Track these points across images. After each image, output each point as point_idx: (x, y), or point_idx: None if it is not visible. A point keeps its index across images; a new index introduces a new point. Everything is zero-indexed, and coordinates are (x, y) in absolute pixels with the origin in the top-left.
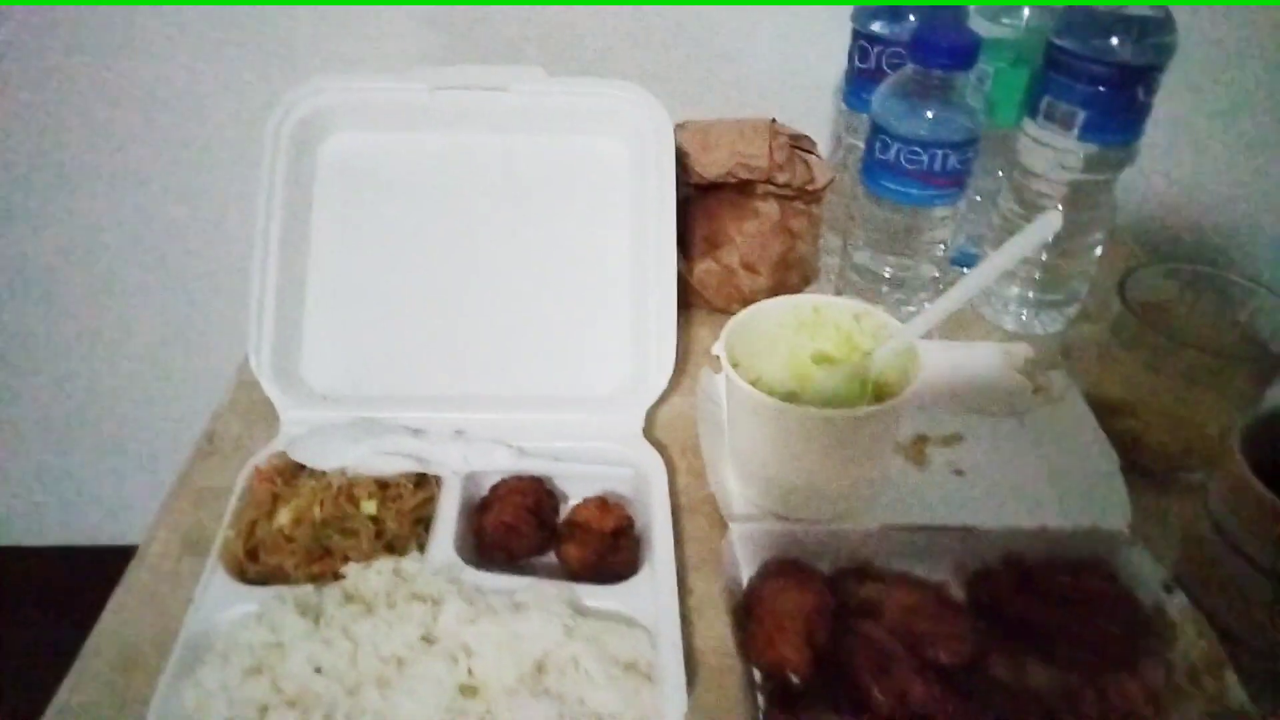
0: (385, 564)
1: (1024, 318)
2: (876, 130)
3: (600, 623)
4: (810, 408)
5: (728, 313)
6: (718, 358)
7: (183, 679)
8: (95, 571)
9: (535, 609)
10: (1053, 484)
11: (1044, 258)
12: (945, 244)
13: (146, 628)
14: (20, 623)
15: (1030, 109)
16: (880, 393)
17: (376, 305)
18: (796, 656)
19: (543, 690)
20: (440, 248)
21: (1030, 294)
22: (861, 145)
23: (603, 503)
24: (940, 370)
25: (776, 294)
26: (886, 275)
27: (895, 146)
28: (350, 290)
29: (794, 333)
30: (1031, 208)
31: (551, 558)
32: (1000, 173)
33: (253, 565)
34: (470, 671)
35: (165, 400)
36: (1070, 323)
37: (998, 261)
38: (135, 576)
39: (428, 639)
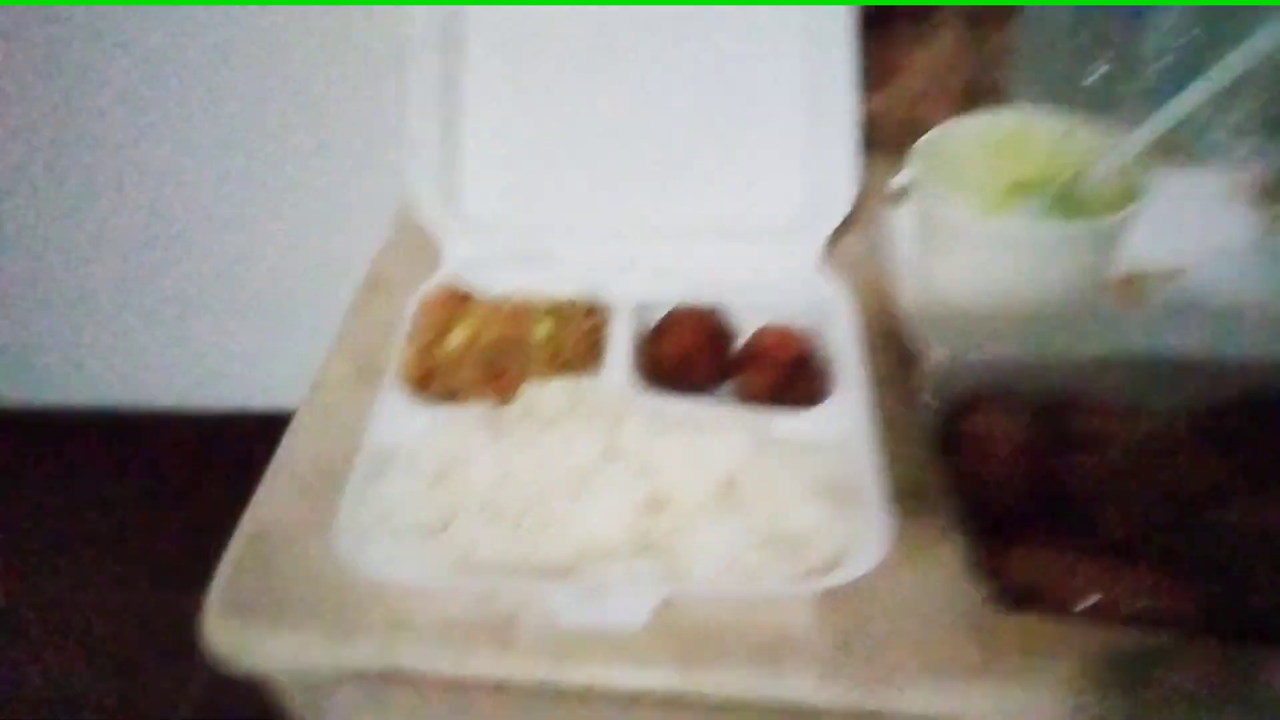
0: (562, 383)
1: (1252, 139)
2: None
3: (792, 445)
4: (1020, 221)
5: (902, 151)
6: (899, 193)
7: (370, 486)
8: (252, 436)
9: (722, 428)
10: None
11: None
12: (1163, 55)
13: (329, 447)
14: (182, 490)
15: None
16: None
17: (541, 134)
18: (1009, 482)
19: (734, 507)
20: (607, 74)
21: (1259, 111)
22: None
23: (783, 330)
24: (1157, 199)
25: None
26: (1088, 85)
27: None
28: (514, 118)
29: (990, 156)
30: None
31: (725, 393)
32: None
33: (429, 389)
34: (656, 487)
35: (322, 254)
36: None
37: (1224, 69)
38: (312, 402)
39: (610, 453)
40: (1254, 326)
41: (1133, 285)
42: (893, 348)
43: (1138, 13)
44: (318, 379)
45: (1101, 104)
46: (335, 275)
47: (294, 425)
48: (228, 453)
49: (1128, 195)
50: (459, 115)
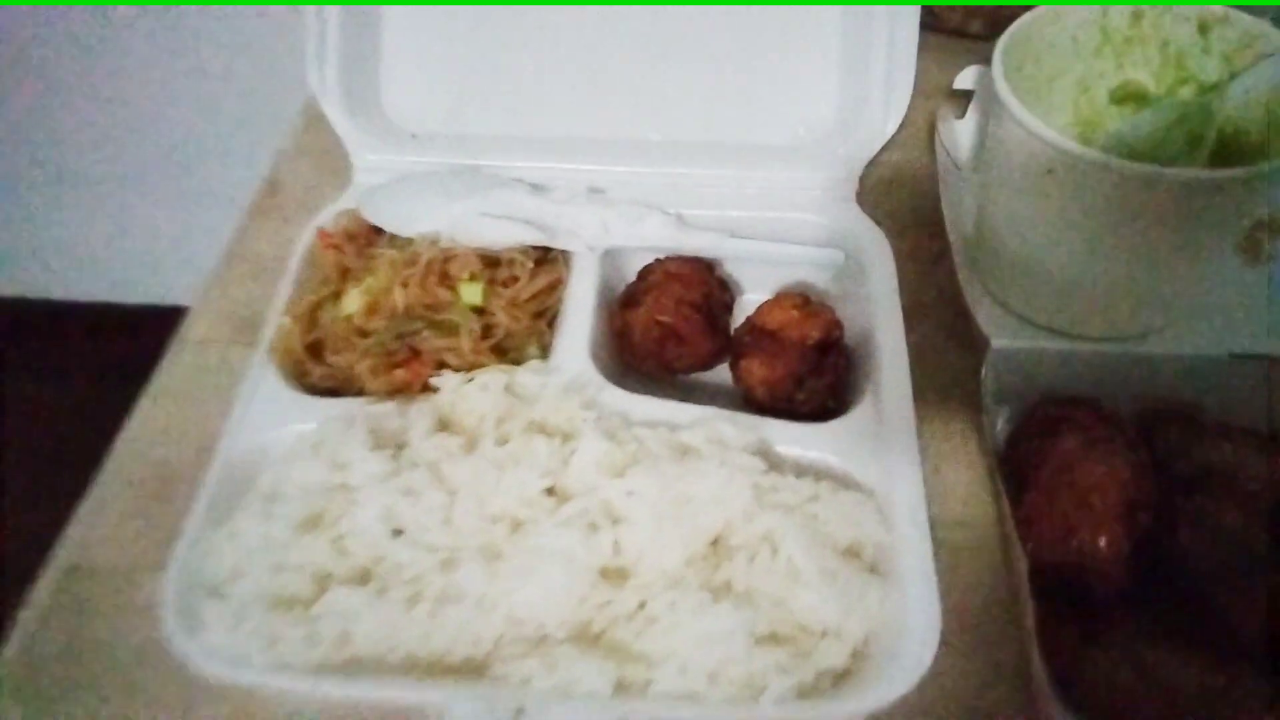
0: (494, 377)
1: None
2: None
3: (804, 483)
4: (1127, 162)
5: (967, 36)
6: (959, 95)
7: (217, 525)
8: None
9: (711, 458)
10: None
11: None
12: None
13: (179, 440)
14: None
15: None
16: (1229, 151)
17: (484, 15)
18: (1109, 552)
19: (722, 583)
20: None
21: None
22: None
23: (804, 302)
24: None
25: None
26: None
27: None
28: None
29: (1093, 55)
30: None
31: (720, 374)
32: None
33: (316, 366)
34: (617, 546)
35: (229, 145)
36: None
37: None
38: (170, 371)
39: (556, 492)
40: None
41: (1253, 238)
42: (938, 320)
43: None
44: (182, 331)
45: None
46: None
47: (140, 407)
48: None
49: None
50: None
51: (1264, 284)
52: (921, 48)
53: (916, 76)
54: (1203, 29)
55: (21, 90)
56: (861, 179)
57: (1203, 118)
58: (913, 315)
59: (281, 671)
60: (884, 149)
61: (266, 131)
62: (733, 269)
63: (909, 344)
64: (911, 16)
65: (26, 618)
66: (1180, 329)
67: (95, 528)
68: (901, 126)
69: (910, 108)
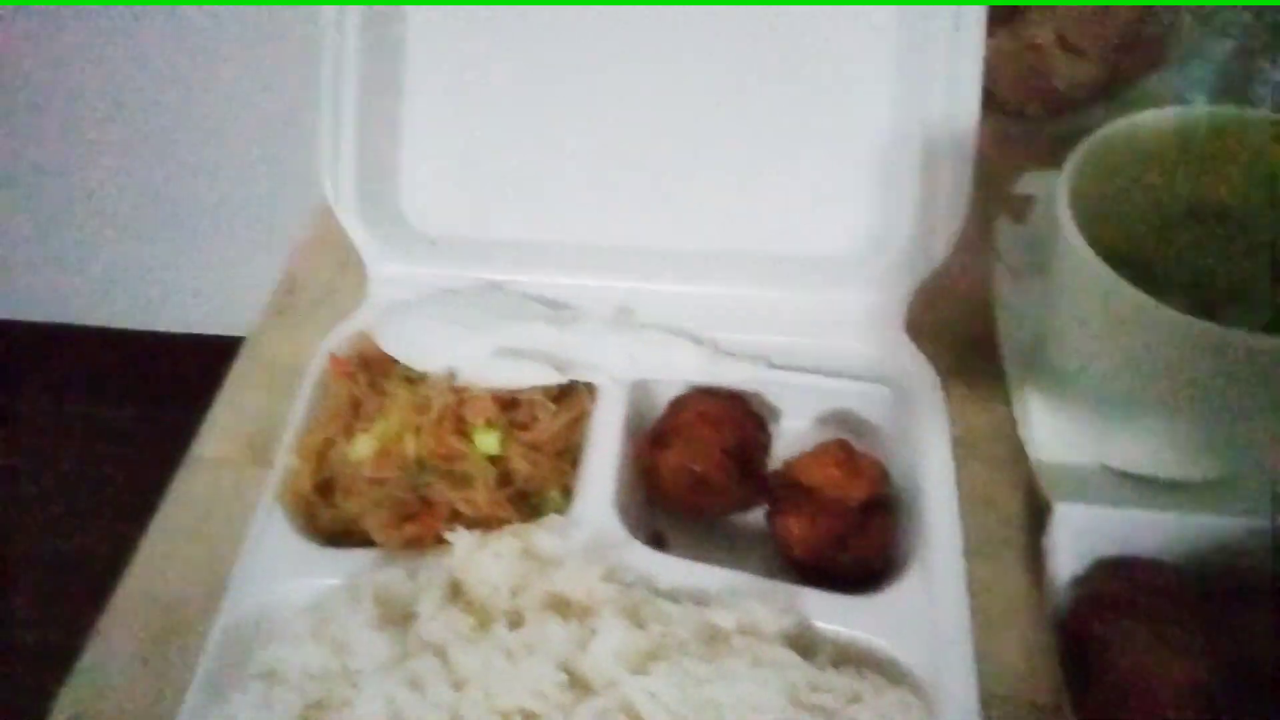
0: (509, 543)
1: None
2: None
3: (843, 679)
4: (1217, 328)
5: (1024, 116)
6: (1024, 200)
7: (216, 698)
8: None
9: (743, 652)
10: None
11: None
12: None
13: (185, 576)
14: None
15: None
16: None
17: (509, 121)
18: None
19: None
20: (608, 50)
21: None
22: None
23: (848, 455)
24: None
25: (1109, 89)
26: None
27: None
28: (471, 99)
29: (1169, 168)
30: None
31: (755, 515)
32: None
33: (327, 508)
34: None
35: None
36: None
37: None
38: (180, 495)
39: (574, 679)
40: None
41: None
42: (989, 458)
43: None
44: (194, 450)
45: None
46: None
47: (149, 538)
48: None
49: None
50: (396, 86)
51: None
52: (985, 137)
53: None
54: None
55: None
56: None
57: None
58: (960, 448)
59: None
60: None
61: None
62: (771, 393)
63: (962, 487)
64: (967, 115)
65: None
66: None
67: (98, 677)
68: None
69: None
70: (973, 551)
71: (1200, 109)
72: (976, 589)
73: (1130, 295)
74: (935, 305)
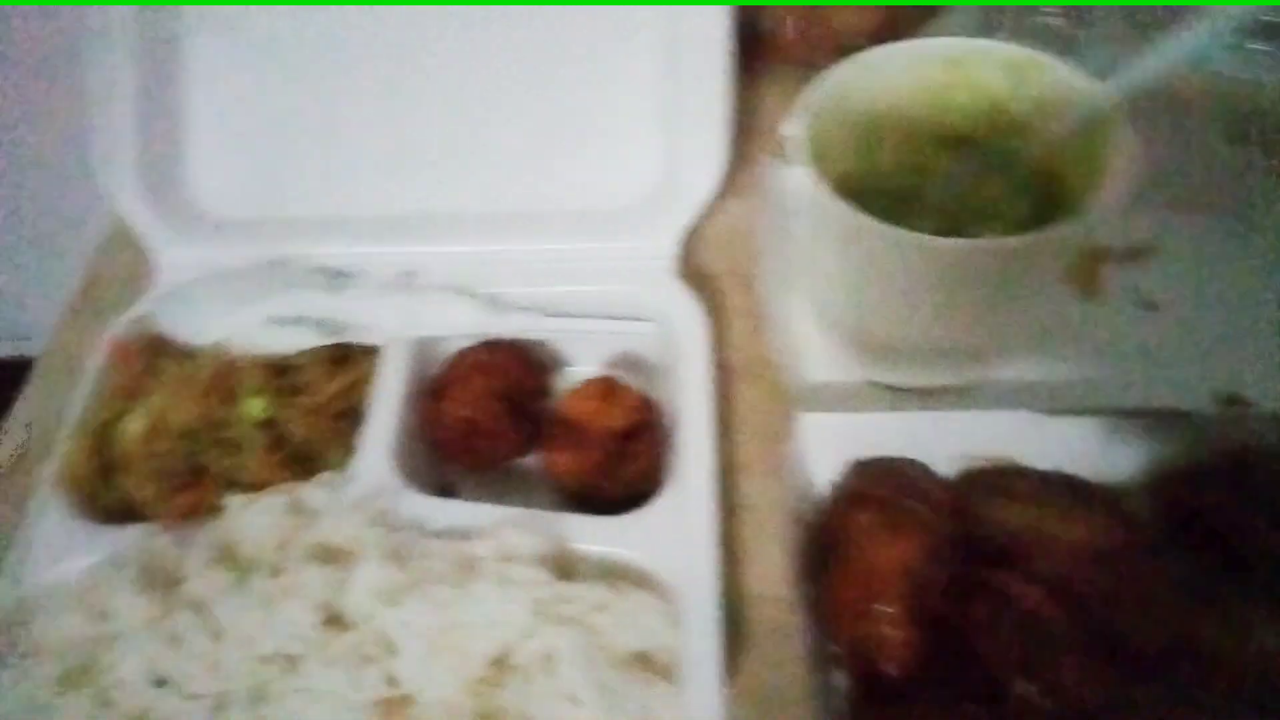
0: (275, 498)
1: (1245, 50)
2: None
3: (592, 589)
4: (931, 239)
5: (814, 67)
6: (790, 149)
7: None
8: None
9: (491, 577)
10: None
11: None
12: None
13: None
14: None
15: None
16: (1050, 191)
17: (291, 98)
18: (895, 638)
19: (500, 708)
20: (382, 21)
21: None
22: None
23: (608, 387)
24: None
25: (887, 39)
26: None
27: None
28: (252, 78)
29: (912, 103)
30: None
31: (539, 460)
32: None
33: (108, 489)
34: (392, 679)
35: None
36: None
37: None
38: None
39: (335, 620)
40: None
41: (1088, 269)
42: (768, 382)
43: None
44: None
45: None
46: None
47: None
48: None
49: (1098, 159)
50: (173, 79)
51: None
52: (769, 82)
53: (763, 116)
54: (1015, 74)
55: None
56: (705, 231)
57: (1019, 160)
58: (745, 378)
59: None
60: (730, 198)
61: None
62: (559, 345)
63: (738, 410)
64: (719, 72)
65: None
66: (1000, 373)
67: None
68: (743, 175)
69: (757, 149)
70: (743, 468)
71: (931, 41)
72: (745, 503)
73: (849, 215)
74: (733, 247)
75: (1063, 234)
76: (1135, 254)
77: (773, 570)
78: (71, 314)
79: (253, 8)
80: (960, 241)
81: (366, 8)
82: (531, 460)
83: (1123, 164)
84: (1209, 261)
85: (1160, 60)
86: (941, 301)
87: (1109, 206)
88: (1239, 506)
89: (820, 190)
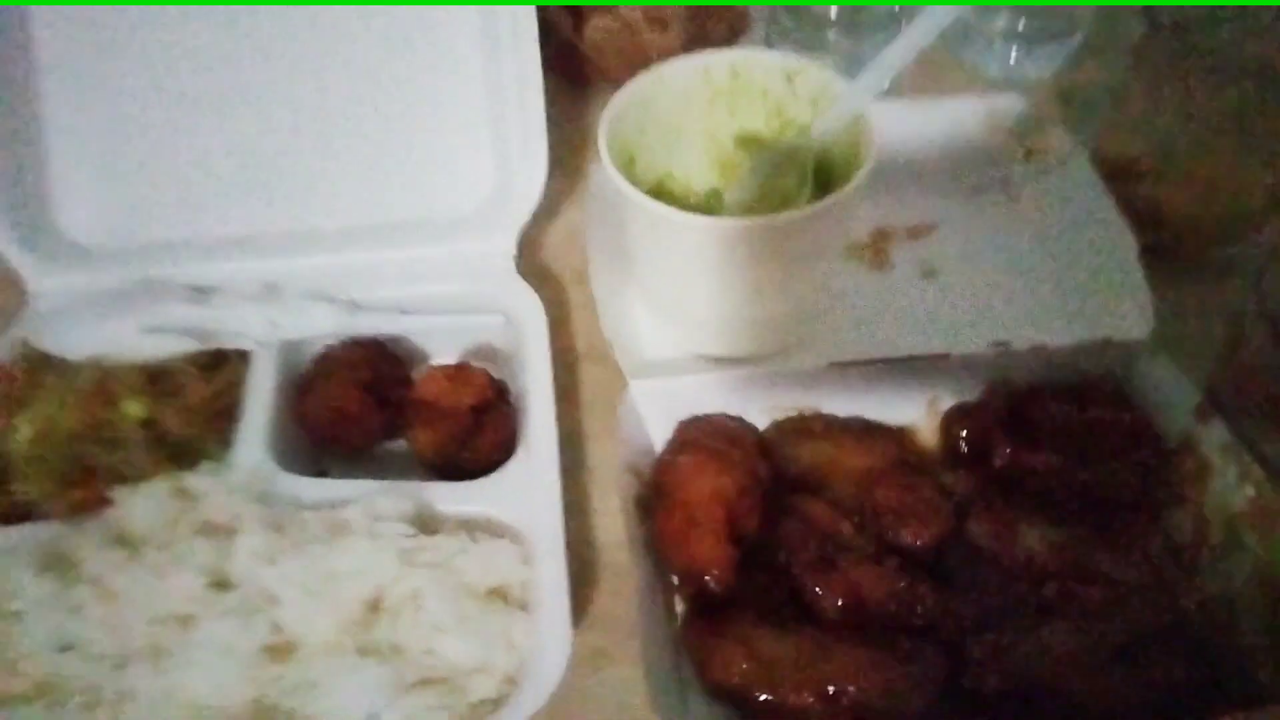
0: (158, 485)
1: (1012, 59)
2: None
3: (452, 539)
4: (722, 220)
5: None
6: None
7: None
8: None
9: (360, 532)
10: (1052, 283)
11: None
12: None
13: None
14: None
15: None
16: (826, 179)
17: (151, 125)
18: (714, 557)
19: (374, 643)
20: (230, 46)
21: (1019, 25)
22: None
23: (457, 370)
24: (905, 139)
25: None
26: (831, 16)
27: None
28: (112, 104)
29: (708, 107)
30: None
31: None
32: None
33: (3, 497)
34: (277, 626)
35: None
36: (1071, 61)
37: None
38: None
39: (222, 584)
40: (1000, 302)
41: (878, 247)
42: (609, 359)
43: None
44: None
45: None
46: None
47: None
48: None
49: (859, 149)
50: (31, 110)
51: (879, 286)
52: (593, 99)
53: (590, 129)
54: (788, 77)
55: None
56: (544, 234)
57: (802, 156)
58: (588, 359)
59: None
60: (565, 204)
61: None
62: (419, 341)
63: (583, 384)
64: (536, 89)
65: None
66: (807, 339)
67: None
68: (576, 183)
69: (587, 161)
70: (589, 437)
71: (715, 53)
72: (590, 464)
73: (651, 207)
74: (564, 247)
75: (826, 207)
76: (917, 232)
77: (614, 520)
78: None
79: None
80: (740, 220)
81: (220, 35)
82: (398, 445)
83: (867, 149)
84: (978, 235)
85: (890, 60)
86: (741, 278)
87: (859, 187)
88: (1003, 432)
89: (624, 186)
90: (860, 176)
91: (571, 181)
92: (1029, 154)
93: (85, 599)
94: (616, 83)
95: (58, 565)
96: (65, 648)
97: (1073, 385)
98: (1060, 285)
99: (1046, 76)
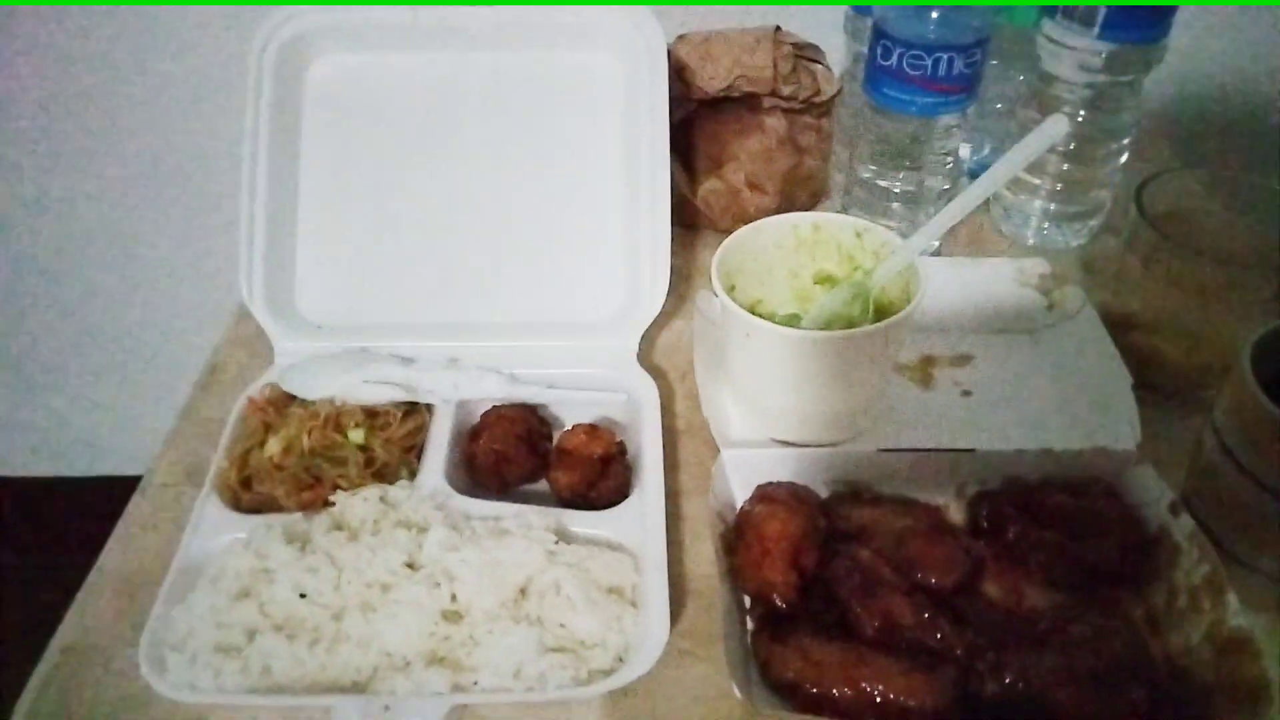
0: (372, 491)
1: (1045, 231)
2: (879, 34)
3: (584, 548)
4: (800, 331)
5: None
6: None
7: (175, 603)
8: (102, 501)
9: (519, 535)
10: (1062, 404)
11: (1064, 167)
12: (954, 155)
13: (148, 558)
14: (24, 551)
15: (1050, 7)
16: (883, 313)
17: (369, 232)
18: (782, 580)
19: (524, 615)
20: (431, 171)
21: (1051, 206)
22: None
23: (592, 429)
24: (951, 288)
25: (784, 213)
26: (895, 191)
27: (898, 51)
28: (342, 217)
29: (794, 253)
30: (1050, 113)
31: (544, 486)
32: (1021, 77)
33: (247, 494)
34: (453, 596)
35: (173, 334)
36: (1093, 236)
37: (999, 171)
38: (137, 508)
39: (412, 565)
40: (1022, 415)
41: (925, 369)
42: (703, 436)
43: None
44: (145, 480)
45: (906, 206)
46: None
47: (118, 530)
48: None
49: (910, 290)
50: (292, 213)
51: (924, 399)
52: (702, 243)
53: (700, 266)
54: (857, 234)
55: None
56: (659, 340)
57: (865, 293)
58: (686, 435)
59: (223, 694)
60: (675, 319)
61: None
62: (556, 411)
63: (683, 454)
64: (664, 230)
65: (30, 687)
66: (863, 434)
67: (84, 617)
68: (684, 304)
69: (694, 289)
70: (683, 494)
71: (800, 214)
72: (684, 515)
73: (747, 319)
74: (672, 351)
75: (882, 328)
76: (959, 361)
77: (701, 557)
78: (200, 390)
79: (347, 144)
80: (815, 333)
81: (423, 159)
82: (539, 486)
83: (916, 289)
84: (1006, 366)
85: (936, 227)
86: (812, 380)
87: (908, 316)
88: (1015, 513)
89: (729, 303)
90: (910, 308)
91: (680, 303)
92: (1051, 307)
93: (318, 563)
94: (723, 232)
95: (298, 539)
96: (302, 595)
97: (1074, 481)
98: (1069, 405)
99: (1073, 246)
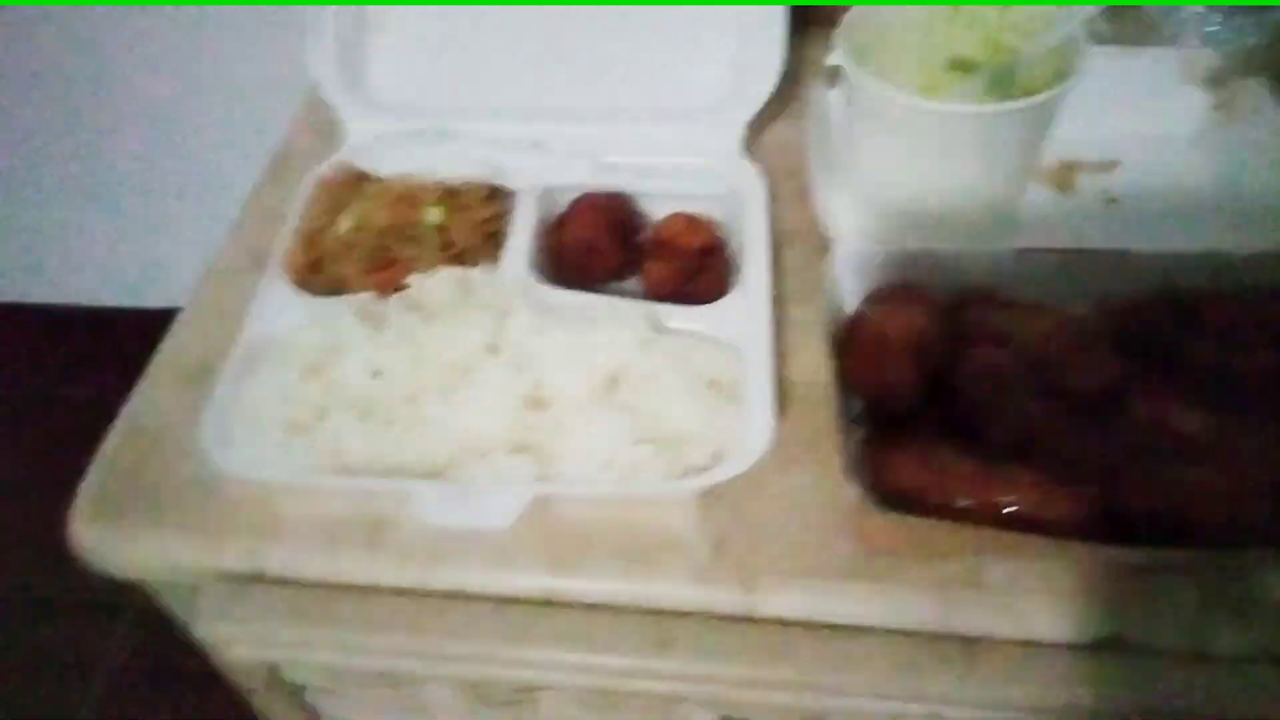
0: (450, 273)
1: (1215, 26)
2: None
3: (681, 340)
4: (943, 104)
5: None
6: (833, 70)
7: (242, 381)
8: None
9: (610, 322)
10: (1227, 206)
11: None
12: None
13: (215, 336)
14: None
15: None
16: None
17: (449, 11)
18: (901, 380)
19: (616, 404)
20: None
21: None
22: None
23: (691, 218)
24: (1100, 83)
25: None
26: None
27: None
28: None
29: (925, 33)
30: None
31: (633, 286)
32: None
33: (316, 277)
34: (538, 383)
35: (234, 126)
36: (1275, 33)
37: None
38: (206, 289)
39: (492, 348)
40: (1181, 221)
41: (1066, 175)
42: (810, 241)
43: None
44: (211, 266)
45: None
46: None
47: (182, 316)
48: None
49: (1065, 75)
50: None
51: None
52: (816, 43)
53: (809, 56)
54: (1002, 10)
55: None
56: (753, 139)
57: (1009, 77)
58: (794, 237)
59: (292, 473)
60: (787, 117)
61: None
62: (647, 206)
63: (786, 259)
64: (780, 15)
65: (95, 467)
66: (994, 239)
67: (149, 400)
68: (792, 103)
69: (803, 79)
70: (787, 299)
71: None
72: (789, 320)
73: (896, 94)
74: (788, 150)
75: (1030, 104)
76: (1104, 166)
77: (806, 364)
78: (268, 177)
79: None
80: (955, 105)
81: None
82: (628, 285)
83: (1075, 71)
84: (1161, 171)
85: None
86: (948, 163)
87: (1063, 92)
88: (1171, 324)
89: (860, 74)
90: (1065, 84)
91: (786, 104)
92: (1218, 107)
93: (394, 341)
94: (833, 28)
95: (372, 318)
96: (375, 374)
97: (1241, 291)
98: (1232, 209)
99: (1251, 44)
